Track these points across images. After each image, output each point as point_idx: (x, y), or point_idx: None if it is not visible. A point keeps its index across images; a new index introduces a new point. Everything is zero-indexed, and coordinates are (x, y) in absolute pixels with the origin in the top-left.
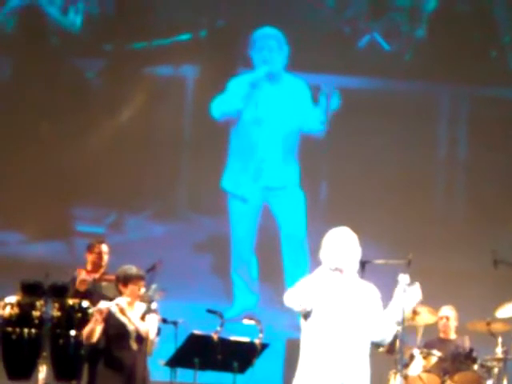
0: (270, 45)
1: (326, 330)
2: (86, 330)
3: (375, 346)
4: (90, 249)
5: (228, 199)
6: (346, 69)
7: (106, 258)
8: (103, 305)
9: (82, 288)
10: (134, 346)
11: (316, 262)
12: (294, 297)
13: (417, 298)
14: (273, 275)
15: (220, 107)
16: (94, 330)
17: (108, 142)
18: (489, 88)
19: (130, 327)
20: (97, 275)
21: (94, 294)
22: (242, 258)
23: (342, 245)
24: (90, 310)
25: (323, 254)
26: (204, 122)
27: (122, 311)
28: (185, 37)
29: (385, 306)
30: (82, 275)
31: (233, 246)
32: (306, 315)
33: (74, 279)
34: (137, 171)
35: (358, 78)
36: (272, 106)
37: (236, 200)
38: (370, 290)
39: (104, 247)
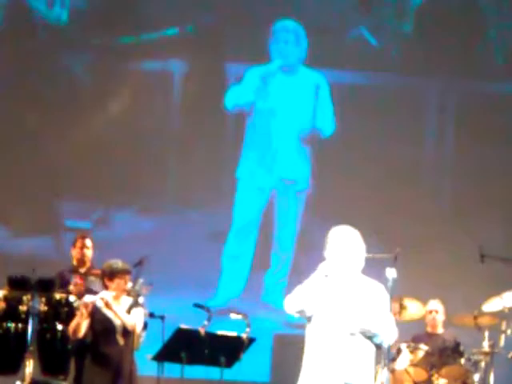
0: (286, 38)
1: (327, 332)
2: (72, 325)
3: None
4: (73, 244)
5: (237, 187)
6: (333, 63)
7: (89, 252)
8: (88, 298)
9: (76, 290)
10: (121, 340)
11: (301, 257)
12: (292, 304)
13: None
14: (263, 268)
15: (232, 99)
16: (80, 324)
17: (95, 136)
18: (476, 82)
19: (116, 322)
20: (83, 270)
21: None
22: (240, 246)
23: (346, 245)
24: (76, 304)
25: (328, 253)
26: (191, 116)
27: (107, 305)
28: (172, 32)
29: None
30: (77, 281)
31: (232, 232)
32: (309, 318)
33: (59, 274)
34: (124, 166)
35: (345, 72)
36: (286, 99)
37: (247, 189)
38: (375, 289)
39: (87, 242)
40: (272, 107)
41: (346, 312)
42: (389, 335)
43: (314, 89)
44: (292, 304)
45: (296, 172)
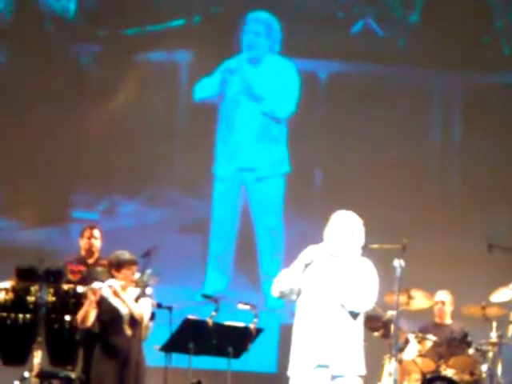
0: (256, 29)
1: (308, 315)
2: (80, 314)
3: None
4: (81, 234)
5: (214, 181)
6: (340, 54)
7: (97, 243)
8: (96, 285)
9: (75, 278)
10: (128, 331)
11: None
12: (277, 287)
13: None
14: (249, 259)
15: (198, 91)
16: (89, 313)
17: (102, 127)
18: (482, 73)
19: (123, 311)
20: (91, 260)
21: (88, 279)
22: (221, 241)
23: (333, 229)
24: (84, 290)
25: (324, 235)
26: (197, 107)
27: (115, 293)
28: (178, 22)
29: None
30: (73, 268)
31: (213, 227)
32: (295, 301)
33: (66, 264)
34: (130, 156)
35: (352, 63)
36: (250, 89)
37: (218, 182)
38: (360, 264)
39: (95, 232)
40: (236, 98)
41: (325, 293)
42: (357, 301)
43: (278, 76)
44: (276, 287)
45: (256, 161)
